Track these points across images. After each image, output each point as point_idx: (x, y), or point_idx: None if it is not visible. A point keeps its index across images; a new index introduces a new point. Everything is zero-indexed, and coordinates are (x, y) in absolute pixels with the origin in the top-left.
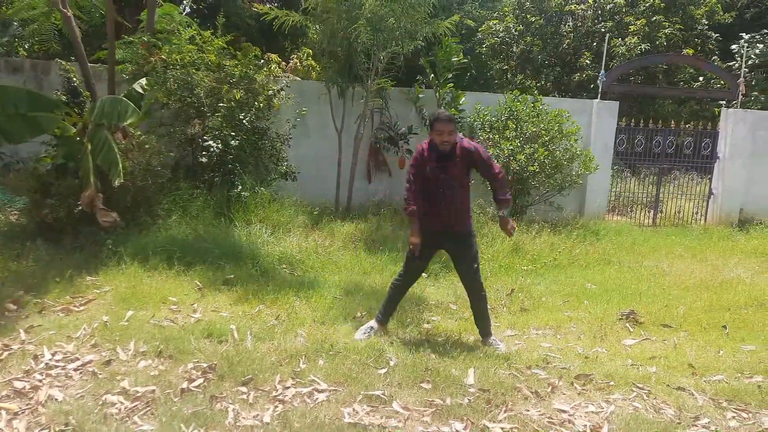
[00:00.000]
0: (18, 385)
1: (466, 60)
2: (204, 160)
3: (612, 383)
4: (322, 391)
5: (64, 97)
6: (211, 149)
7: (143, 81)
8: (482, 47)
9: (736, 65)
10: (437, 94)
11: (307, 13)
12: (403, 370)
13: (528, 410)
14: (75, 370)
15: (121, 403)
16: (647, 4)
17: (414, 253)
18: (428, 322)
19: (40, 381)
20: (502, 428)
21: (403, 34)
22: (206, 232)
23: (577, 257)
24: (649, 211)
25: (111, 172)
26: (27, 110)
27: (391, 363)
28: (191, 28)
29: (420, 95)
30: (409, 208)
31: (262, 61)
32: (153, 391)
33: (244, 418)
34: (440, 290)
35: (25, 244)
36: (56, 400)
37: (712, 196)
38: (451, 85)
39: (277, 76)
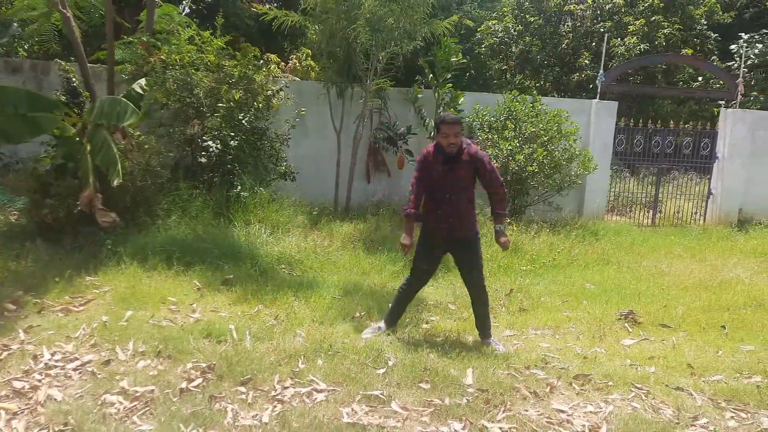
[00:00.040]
0: (17, 385)
1: (465, 60)
2: (203, 160)
3: (611, 383)
4: (320, 391)
5: (63, 98)
6: (211, 149)
7: (142, 81)
8: (481, 47)
9: (735, 65)
10: (436, 95)
11: (306, 13)
12: (401, 370)
13: (526, 410)
14: (74, 370)
15: (120, 402)
16: (646, 4)
17: (404, 253)
18: (427, 323)
19: (40, 381)
20: (500, 428)
21: (402, 34)
22: (205, 232)
23: (576, 257)
24: (648, 211)
25: (110, 172)
26: (26, 110)
27: (390, 363)
28: (190, 28)
29: (419, 95)
30: (406, 210)
31: (261, 61)
32: (152, 390)
33: (242, 418)
34: (439, 290)
35: (24, 244)
36: (55, 400)
37: (711, 196)
38: (450, 85)
39: (276, 77)
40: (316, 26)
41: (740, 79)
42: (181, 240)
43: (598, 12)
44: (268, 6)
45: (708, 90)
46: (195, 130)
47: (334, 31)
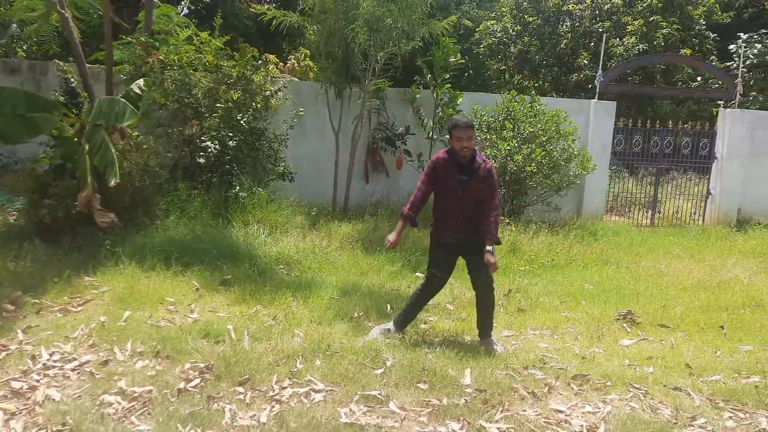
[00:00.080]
0: (15, 385)
1: (463, 60)
2: (202, 160)
3: (609, 383)
4: (318, 391)
5: (61, 98)
6: (209, 150)
7: (141, 82)
8: (480, 47)
9: (734, 65)
10: (434, 95)
11: (305, 13)
12: (399, 370)
13: (525, 410)
14: (72, 370)
15: (119, 403)
16: (645, 4)
17: (387, 248)
18: (425, 323)
19: (38, 381)
20: (498, 428)
21: (401, 34)
22: (204, 232)
23: (574, 258)
24: (647, 212)
25: (108, 173)
26: (25, 111)
27: (388, 363)
28: (189, 28)
29: (417, 96)
30: (405, 211)
31: (260, 61)
32: (150, 391)
33: (240, 418)
34: None
35: (22, 244)
36: (53, 400)
37: (710, 196)
38: (449, 85)
39: (274, 77)
40: (315, 26)
41: (739, 79)
42: (180, 240)
43: (597, 12)
44: (266, 6)
45: (707, 90)
46: (193, 130)
47: (333, 31)
